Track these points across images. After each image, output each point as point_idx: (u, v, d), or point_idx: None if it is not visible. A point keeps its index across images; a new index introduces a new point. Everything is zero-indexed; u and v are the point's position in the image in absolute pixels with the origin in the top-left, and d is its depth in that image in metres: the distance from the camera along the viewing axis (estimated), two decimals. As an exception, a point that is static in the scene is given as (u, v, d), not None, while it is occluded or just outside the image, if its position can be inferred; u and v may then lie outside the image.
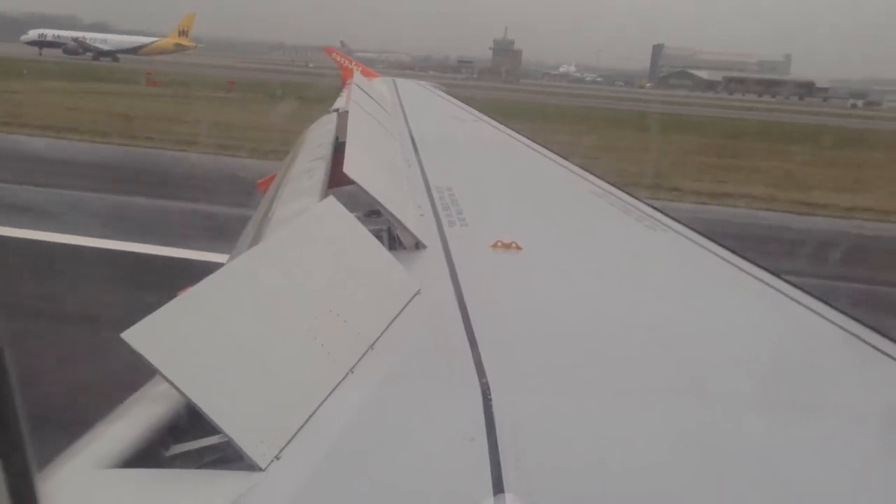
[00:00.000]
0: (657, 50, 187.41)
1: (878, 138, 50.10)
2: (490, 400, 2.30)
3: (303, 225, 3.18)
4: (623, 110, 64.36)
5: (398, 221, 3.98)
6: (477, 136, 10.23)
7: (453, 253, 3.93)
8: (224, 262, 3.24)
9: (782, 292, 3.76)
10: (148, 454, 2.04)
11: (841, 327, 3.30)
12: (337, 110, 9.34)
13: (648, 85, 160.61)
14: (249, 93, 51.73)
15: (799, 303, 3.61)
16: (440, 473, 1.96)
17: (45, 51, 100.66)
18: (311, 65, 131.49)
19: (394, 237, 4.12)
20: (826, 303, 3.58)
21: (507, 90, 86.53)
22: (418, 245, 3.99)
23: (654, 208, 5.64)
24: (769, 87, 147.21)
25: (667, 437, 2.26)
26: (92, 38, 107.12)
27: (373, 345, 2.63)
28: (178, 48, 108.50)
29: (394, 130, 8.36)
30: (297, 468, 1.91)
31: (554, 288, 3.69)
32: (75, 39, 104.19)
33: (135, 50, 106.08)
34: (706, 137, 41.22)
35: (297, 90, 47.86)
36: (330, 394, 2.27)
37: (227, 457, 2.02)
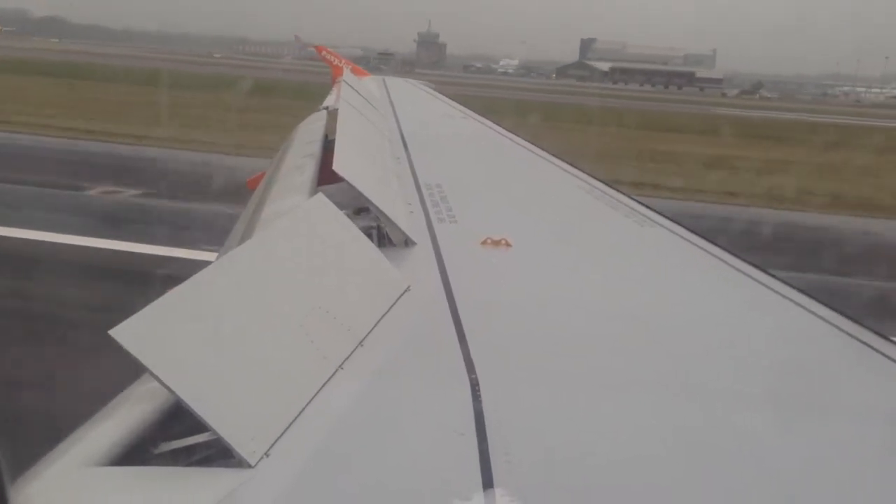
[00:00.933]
0: (586, 44, 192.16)
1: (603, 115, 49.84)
2: (479, 395, 2.31)
3: (292, 222, 3.18)
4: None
5: (387, 218, 3.98)
6: (467, 134, 10.24)
7: (443, 250, 3.94)
8: (213, 259, 3.23)
9: (769, 287, 3.79)
10: (137, 452, 2.04)
11: (828, 322, 3.33)
12: (327, 108, 9.33)
13: (554, 76, 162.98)
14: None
15: (785, 297, 3.64)
16: (430, 469, 1.97)
17: None
18: (216, 55, 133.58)
19: (383, 234, 4.12)
20: (813, 297, 3.61)
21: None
22: (408, 242, 3.99)
23: (643, 204, 5.67)
24: (650, 77, 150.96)
25: (655, 431, 2.27)
26: None
27: (362, 341, 2.64)
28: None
29: (383, 128, 8.36)
30: (287, 465, 1.91)
31: (543, 284, 3.70)
32: None
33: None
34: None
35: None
36: (319, 390, 2.27)
37: (217, 454, 2.02)
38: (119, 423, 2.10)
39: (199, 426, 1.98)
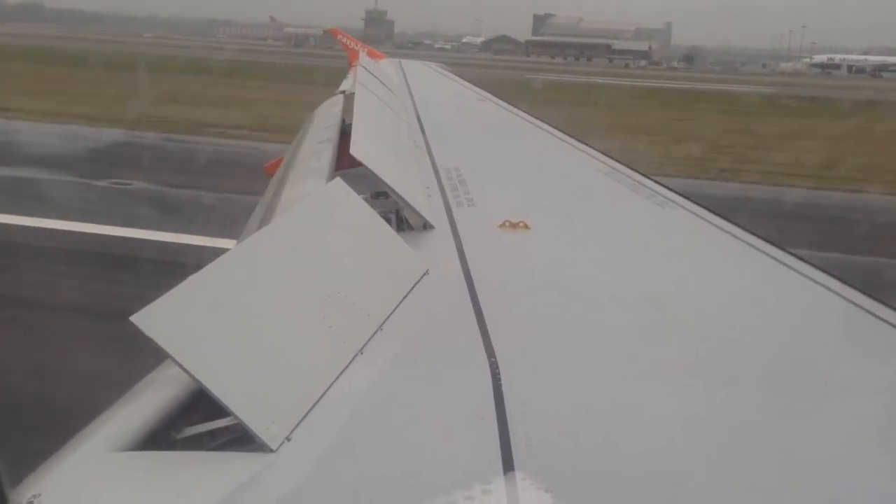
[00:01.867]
0: (539, 19, 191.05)
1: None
2: (499, 379, 2.30)
3: (310, 207, 3.18)
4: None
5: (405, 202, 3.97)
6: (484, 117, 10.17)
7: (461, 233, 3.92)
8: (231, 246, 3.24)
9: (793, 268, 3.73)
10: (159, 437, 2.05)
11: (853, 302, 3.27)
12: (343, 92, 9.30)
13: (476, 49, 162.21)
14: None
15: (810, 278, 3.59)
16: (450, 453, 1.96)
17: None
18: (146, 35, 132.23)
19: (401, 218, 4.12)
20: (837, 278, 3.56)
21: (313, 56, 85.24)
22: (426, 225, 3.98)
23: (663, 185, 5.61)
24: (564, 49, 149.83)
25: (677, 415, 2.25)
26: None
27: (381, 325, 2.64)
28: None
29: (400, 111, 8.32)
30: (308, 449, 1.92)
31: (562, 267, 3.67)
32: None
33: None
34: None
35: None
36: (339, 375, 2.27)
37: (238, 439, 2.03)
38: (141, 408, 2.11)
39: (221, 411, 1.99)
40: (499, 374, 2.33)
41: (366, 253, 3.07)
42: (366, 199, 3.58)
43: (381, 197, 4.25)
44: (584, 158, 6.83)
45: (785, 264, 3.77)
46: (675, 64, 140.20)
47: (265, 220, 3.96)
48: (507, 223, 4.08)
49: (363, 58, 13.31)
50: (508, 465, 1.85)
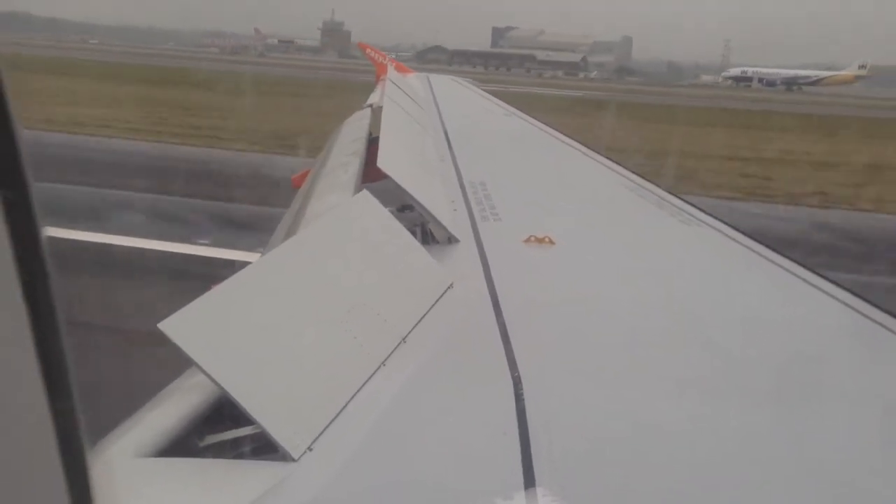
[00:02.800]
0: (497, 32, 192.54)
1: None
2: (522, 394, 2.29)
3: (336, 219, 3.20)
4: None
5: (431, 216, 3.98)
6: (510, 131, 10.19)
7: (486, 247, 3.92)
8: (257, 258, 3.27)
9: (821, 289, 3.69)
10: (183, 444, 2.07)
11: (881, 324, 3.23)
12: (371, 106, 9.38)
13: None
14: None
15: (835, 298, 3.54)
16: (472, 467, 1.96)
17: None
18: (92, 41, 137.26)
19: (427, 231, 4.13)
20: (863, 298, 3.51)
21: (271, 65, 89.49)
22: (451, 239, 3.99)
23: (688, 203, 5.58)
24: (488, 59, 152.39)
25: (702, 432, 2.23)
26: None
27: (405, 338, 2.64)
28: None
29: (427, 126, 8.37)
30: (330, 459, 1.93)
31: (587, 282, 3.66)
32: None
33: None
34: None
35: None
36: (362, 386, 2.28)
37: (261, 448, 2.04)
38: (166, 415, 2.13)
39: (244, 419, 2.00)
40: (521, 389, 2.33)
41: (391, 265, 3.08)
42: (392, 212, 3.60)
43: (406, 210, 4.27)
44: (610, 174, 6.81)
45: (813, 285, 3.73)
46: (592, 75, 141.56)
47: (291, 231, 3.99)
48: (532, 238, 4.08)
49: (391, 72, 13.40)
50: (530, 481, 1.84)
